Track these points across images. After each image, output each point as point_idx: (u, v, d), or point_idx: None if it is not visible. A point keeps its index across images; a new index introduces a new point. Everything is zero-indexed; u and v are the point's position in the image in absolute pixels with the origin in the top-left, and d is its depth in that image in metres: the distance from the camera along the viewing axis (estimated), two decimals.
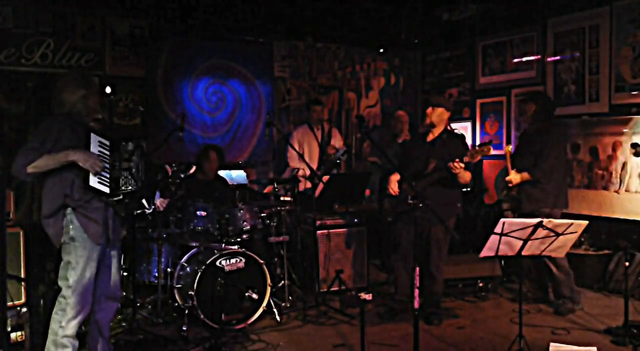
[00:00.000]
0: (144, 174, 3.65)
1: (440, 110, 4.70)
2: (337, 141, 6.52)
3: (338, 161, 6.24)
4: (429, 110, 4.71)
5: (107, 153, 3.41)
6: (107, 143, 3.44)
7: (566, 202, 4.97)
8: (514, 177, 4.88)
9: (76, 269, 3.35)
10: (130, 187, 3.46)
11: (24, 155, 3.21)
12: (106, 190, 3.35)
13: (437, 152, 4.62)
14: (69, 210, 3.34)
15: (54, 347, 3.34)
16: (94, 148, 3.32)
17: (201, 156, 5.52)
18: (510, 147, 5.10)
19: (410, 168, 4.73)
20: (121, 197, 3.40)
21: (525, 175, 4.83)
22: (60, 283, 3.38)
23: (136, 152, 3.53)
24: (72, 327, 3.35)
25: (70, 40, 5.86)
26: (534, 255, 3.81)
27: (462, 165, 4.34)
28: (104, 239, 3.44)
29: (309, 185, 5.77)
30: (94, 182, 3.28)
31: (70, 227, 3.34)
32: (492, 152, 4.34)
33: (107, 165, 3.39)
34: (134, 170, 3.50)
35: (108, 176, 3.38)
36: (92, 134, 3.34)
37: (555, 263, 4.81)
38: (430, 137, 4.77)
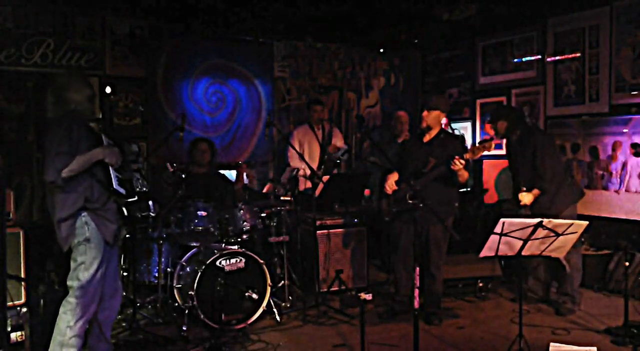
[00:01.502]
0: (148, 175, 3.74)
1: (436, 113, 4.70)
2: (338, 140, 6.53)
3: (338, 161, 6.24)
4: (425, 113, 4.71)
5: None
6: (113, 143, 3.51)
7: (580, 192, 4.94)
8: (527, 198, 4.75)
9: (89, 269, 3.40)
10: (144, 188, 3.54)
11: (57, 161, 3.26)
12: (123, 191, 3.44)
13: (436, 152, 4.63)
14: (84, 212, 3.38)
15: (59, 348, 3.36)
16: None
17: (191, 148, 5.51)
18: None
19: (409, 168, 4.74)
20: (136, 197, 3.49)
21: (536, 192, 4.74)
22: (70, 283, 3.41)
23: (140, 153, 3.60)
24: (79, 327, 3.39)
25: (70, 40, 5.86)
26: (534, 255, 3.81)
27: (463, 162, 4.35)
28: (113, 238, 3.50)
29: (309, 185, 5.77)
30: (115, 185, 3.37)
31: (86, 228, 3.38)
32: (493, 149, 4.33)
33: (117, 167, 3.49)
34: (143, 171, 3.57)
35: (121, 177, 3.46)
36: (102, 135, 3.45)
37: (570, 262, 4.81)
38: (427, 138, 4.78)
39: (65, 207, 3.35)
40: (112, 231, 3.47)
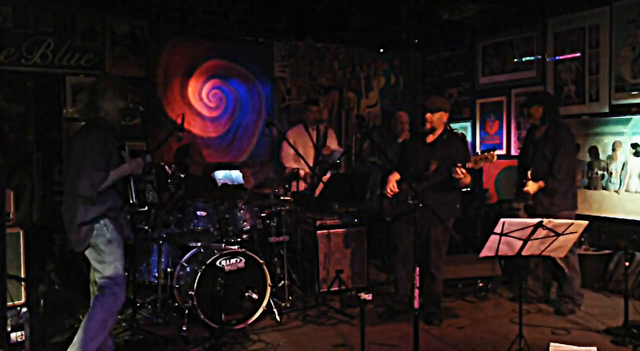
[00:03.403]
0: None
1: (439, 114, 4.68)
2: (332, 142, 6.45)
3: (338, 161, 6.22)
4: (429, 115, 4.66)
5: None
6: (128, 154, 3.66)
7: (576, 204, 4.93)
8: (532, 187, 4.71)
9: (117, 264, 3.57)
10: (153, 199, 3.65)
11: (95, 177, 3.40)
12: (136, 201, 3.61)
13: (438, 153, 4.62)
14: (104, 218, 3.52)
15: (90, 340, 3.47)
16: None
17: (185, 153, 5.48)
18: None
19: (410, 168, 4.73)
20: (146, 208, 3.61)
21: (542, 183, 4.71)
22: (102, 282, 3.56)
23: (153, 164, 3.69)
24: (113, 321, 3.61)
25: (70, 40, 5.86)
26: (534, 255, 3.81)
27: (465, 171, 4.33)
28: (126, 236, 3.67)
29: (305, 186, 5.73)
30: (134, 197, 3.56)
31: (106, 229, 3.52)
32: (495, 159, 4.28)
33: (131, 178, 3.62)
34: (155, 183, 3.67)
35: (134, 188, 3.61)
36: (125, 146, 3.58)
37: (567, 263, 4.81)
38: (430, 138, 4.76)
39: (88, 213, 3.47)
40: (128, 232, 3.66)
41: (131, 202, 3.54)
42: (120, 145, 3.58)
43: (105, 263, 3.55)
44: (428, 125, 4.70)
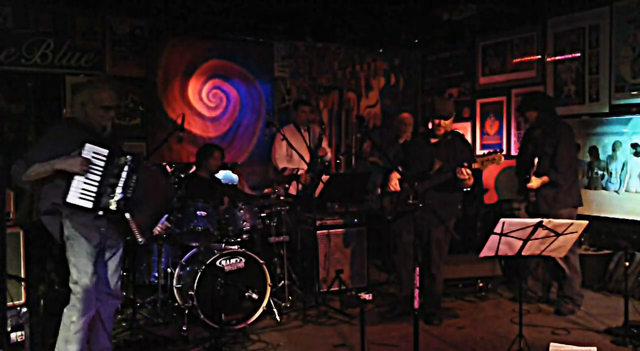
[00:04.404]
0: (133, 191, 3.35)
1: (452, 118, 4.66)
2: (324, 144, 6.41)
3: (338, 161, 6.21)
4: (444, 122, 4.60)
5: (101, 165, 3.29)
6: (104, 154, 3.32)
7: (581, 200, 4.94)
8: (535, 182, 4.72)
9: (77, 265, 3.36)
10: (111, 206, 3.28)
11: (18, 164, 3.34)
12: (88, 205, 3.23)
13: (443, 153, 4.61)
14: (61, 215, 3.36)
15: (64, 344, 3.38)
16: (87, 157, 3.25)
17: (205, 155, 5.45)
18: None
19: (413, 168, 4.72)
20: (102, 213, 3.28)
21: (545, 178, 4.73)
22: (70, 281, 3.41)
23: (127, 166, 3.34)
24: (83, 322, 3.39)
25: (70, 40, 5.87)
26: (534, 255, 3.81)
27: (470, 172, 4.32)
28: (98, 240, 3.42)
29: (299, 187, 5.69)
30: (73, 197, 3.20)
31: (65, 228, 3.36)
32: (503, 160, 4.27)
33: (98, 178, 3.28)
34: (121, 185, 3.32)
35: (95, 190, 3.26)
36: (87, 144, 3.25)
37: (568, 263, 4.81)
38: (434, 139, 4.74)
39: (42, 204, 3.38)
40: (91, 233, 3.38)
41: (66, 202, 3.17)
42: (83, 141, 3.25)
43: (69, 261, 3.38)
44: (442, 131, 4.64)
